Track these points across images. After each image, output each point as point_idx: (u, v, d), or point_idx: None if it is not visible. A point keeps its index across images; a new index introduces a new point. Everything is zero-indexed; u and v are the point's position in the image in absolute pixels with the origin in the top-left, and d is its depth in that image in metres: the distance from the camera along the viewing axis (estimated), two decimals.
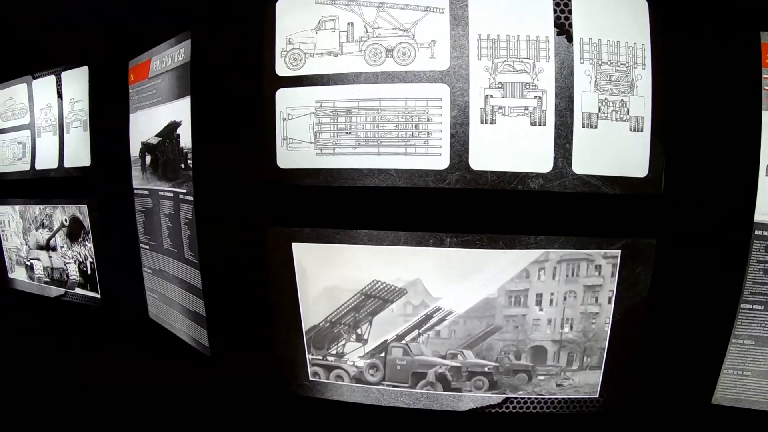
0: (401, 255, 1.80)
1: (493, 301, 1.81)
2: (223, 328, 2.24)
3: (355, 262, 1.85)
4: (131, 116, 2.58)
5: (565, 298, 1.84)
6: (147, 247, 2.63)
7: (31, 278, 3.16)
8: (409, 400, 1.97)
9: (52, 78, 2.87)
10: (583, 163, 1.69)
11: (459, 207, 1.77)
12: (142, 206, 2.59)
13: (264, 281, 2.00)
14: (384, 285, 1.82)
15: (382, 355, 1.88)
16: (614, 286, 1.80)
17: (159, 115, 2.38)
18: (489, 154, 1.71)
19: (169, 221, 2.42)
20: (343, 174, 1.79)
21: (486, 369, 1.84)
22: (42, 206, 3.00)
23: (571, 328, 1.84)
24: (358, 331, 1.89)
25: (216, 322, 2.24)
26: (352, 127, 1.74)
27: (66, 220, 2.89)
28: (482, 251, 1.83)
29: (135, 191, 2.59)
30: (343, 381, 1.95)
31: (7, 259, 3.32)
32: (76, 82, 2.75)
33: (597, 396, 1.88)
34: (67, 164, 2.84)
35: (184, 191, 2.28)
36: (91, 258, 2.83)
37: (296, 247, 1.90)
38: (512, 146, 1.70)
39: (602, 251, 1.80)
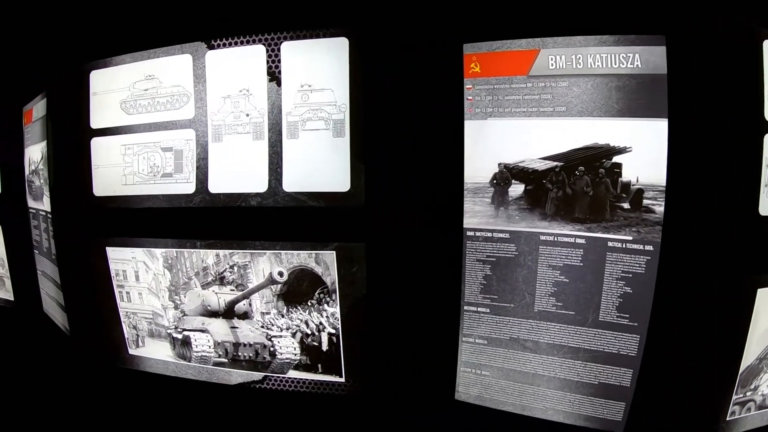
0: None
1: None
2: (652, 398, 1.12)
3: None
4: (468, 123, 1.13)
5: None
6: (485, 310, 1.18)
7: (183, 357, 1.36)
8: None
9: (254, 49, 1.19)
10: None
11: None
12: (489, 253, 1.15)
13: (730, 335, 1.10)
14: None
15: None
16: None
17: (551, 130, 1.07)
18: None
19: (564, 275, 1.11)
20: None
21: None
22: (226, 252, 1.29)
23: None
24: None
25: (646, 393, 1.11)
26: None
27: (282, 273, 1.25)
28: None
29: (471, 233, 1.15)
30: (750, 411, 1.20)
31: (126, 329, 1.45)
32: (318, 57, 1.15)
33: None
34: (289, 187, 1.20)
35: (628, 238, 1.03)
36: (333, 328, 1.26)
37: (760, 292, 1.11)
38: None
39: None
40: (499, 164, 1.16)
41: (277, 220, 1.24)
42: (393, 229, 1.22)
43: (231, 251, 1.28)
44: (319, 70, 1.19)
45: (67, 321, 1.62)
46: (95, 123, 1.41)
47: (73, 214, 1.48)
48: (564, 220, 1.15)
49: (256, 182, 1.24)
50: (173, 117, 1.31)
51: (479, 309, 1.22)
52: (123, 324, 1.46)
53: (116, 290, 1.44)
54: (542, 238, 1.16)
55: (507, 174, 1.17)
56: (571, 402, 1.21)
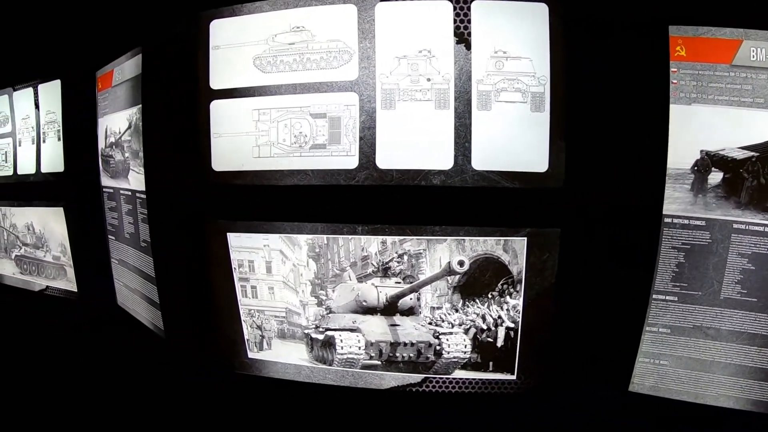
0: None
1: None
2: None
3: None
4: (673, 108, 0.80)
5: None
6: (673, 298, 0.86)
7: (323, 360, 0.91)
8: None
9: (438, 5, 0.92)
10: None
11: None
12: (685, 241, 0.83)
13: None
14: None
15: None
16: None
17: (750, 121, 0.80)
18: None
19: (751, 263, 0.83)
20: None
21: None
22: (395, 238, 0.85)
23: None
24: None
25: None
26: None
27: (462, 262, 0.82)
28: None
29: (668, 219, 0.82)
30: None
31: (248, 330, 0.94)
32: (514, 22, 0.75)
33: None
34: (479, 164, 0.80)
35: None
36: (512, 322, 0.87)
37: None
38: None
39: None
40: (701, 151, 0.87)
41: (463, 202, 0.85)
42: (590, 213, 0.90)
43: (402, 237, 0.87)
44: (515, 35, 0.82)
45: (160, 319, 1.09)
46: (216, 83, 0.92)
47: (178, 194, 0.98)
48: (756, 209, 0.89)
49: (440, 158, 0.84)
50: (329, 77, 0.86)
51: (667, 297, 0.92)
52: (243, 323, 0.98)
53: (238, 284, 0.96)
54: (735, 226, 0.90)
55: (708, 161, 0.90)
56: (743, 387, 0.95)
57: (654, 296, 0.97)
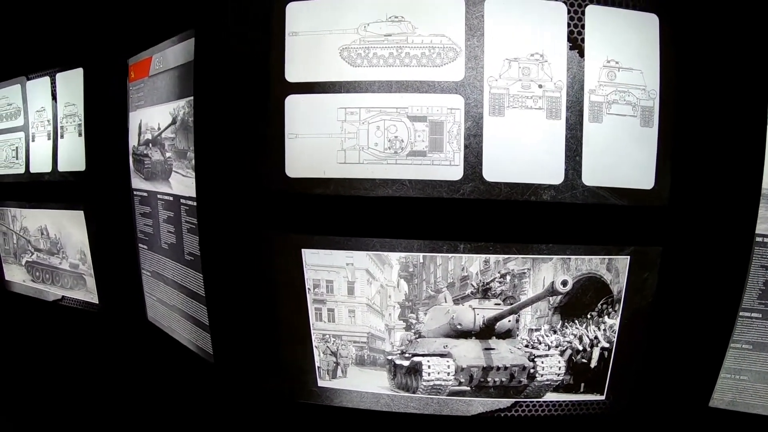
0: None
1: None
2: None
3: None
4: None
5: None
6: (758, 315, 0.73)
7: (405, 387, 0.69)
8: None
9: (552, 6, 0.72)
10: None
11: None
12: None
13: None
14: None
15: None
16: None
17: None
18: None
19: None
20: None
21: None
22: (499, 257, 0.63)
23: None
24: None
25: None
26: None
27: (566, 282, 0.64)
28: None
29: (760, 238, 0.68)
30: None
31: (320, 356, 0.70)
32: (625, 30, 0.60)
33: None
34: (590, 180, 0.63)
35: None
36: (607, 342, 0.69)
37: None
38: None
39: None
40: None
41: (572, 219, 0.68)
42: (688, 232, 0.77)
43: (506, 256, 0.68)
44: (626, 45, 0.66)
45: (207, 340, 0.80)
46: (293, 75, 0.67)
47: (237, 202, 0.71)
48: None
49: (550, 172, 0.66)
50: (431, 76, 0.65)
51: (753, 315, 0.80)
52: (315, 349, 0.73)
53: (311, 306, 0.71)
54: None
55: None
56: None
57: (741, 313, 0.83)
